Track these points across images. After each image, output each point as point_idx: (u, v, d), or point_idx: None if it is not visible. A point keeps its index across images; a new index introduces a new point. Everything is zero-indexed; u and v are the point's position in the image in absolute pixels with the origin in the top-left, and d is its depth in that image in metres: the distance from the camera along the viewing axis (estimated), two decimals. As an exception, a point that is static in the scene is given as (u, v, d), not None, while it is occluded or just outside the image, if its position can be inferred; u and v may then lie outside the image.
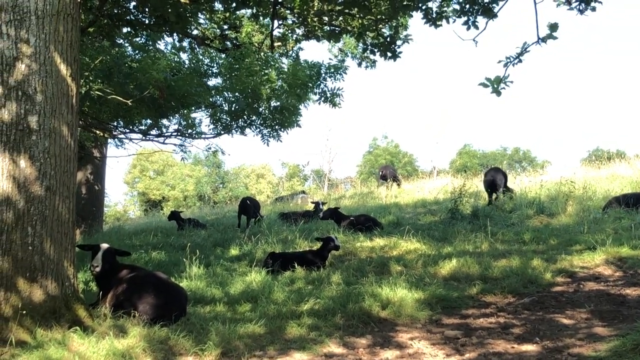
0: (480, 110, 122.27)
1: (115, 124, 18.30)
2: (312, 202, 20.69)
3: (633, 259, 10.69)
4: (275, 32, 15.51)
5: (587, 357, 6.35)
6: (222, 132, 18.22)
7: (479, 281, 9.97)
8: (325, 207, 19.18)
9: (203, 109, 18.11)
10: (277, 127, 17.63)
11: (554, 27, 9.13)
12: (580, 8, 10.62)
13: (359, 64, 18.16)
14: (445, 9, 12.25)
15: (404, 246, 13.05)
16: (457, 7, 11.95)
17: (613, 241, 11.65)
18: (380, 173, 30.24)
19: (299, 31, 15.11)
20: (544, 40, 9.49)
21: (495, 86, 9.02)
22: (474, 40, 11.19)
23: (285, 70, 17.17)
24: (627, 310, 8.00)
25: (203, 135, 19.04)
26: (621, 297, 8.74)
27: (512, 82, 9.21)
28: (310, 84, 17.58)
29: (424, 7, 12.23)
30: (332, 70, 18.18)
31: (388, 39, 13.49)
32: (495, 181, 19.49)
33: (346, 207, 21.31)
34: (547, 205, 17.11)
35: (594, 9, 10.59)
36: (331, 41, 14.70)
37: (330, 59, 19.31)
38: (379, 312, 8.37)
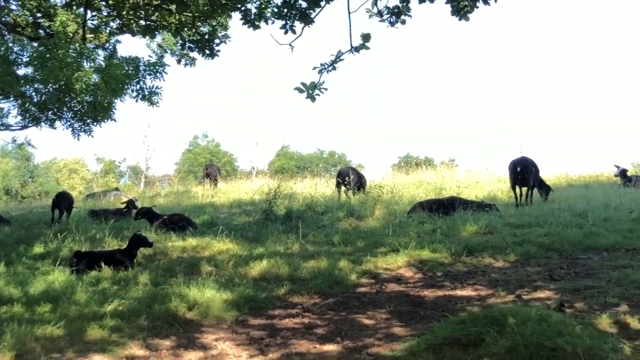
0: (299, 113, 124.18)
1: None
2: (124, 201, 20.20)
3: (433, 262, 11.25)
4: (90, 24, 14.99)
5: (385, 357, 6.60)
6: (30, 125, 17.40)
7: (288, 282, 10.11)
8: (139, 205, 18.85)
9: (11, 99, 17.23)
10: (88, 121, 17.05)
11: (366, 37, 9.37)
12: (392, 20, 11.02)
13: (179, 61, 17.91)
14: (264, 11, 12.31)
15: (216, 246, 13.01)
16: (276, 10, 12.05)
17: (415, 244, 12.20)
18: (206, 171, 30.37)
19: (114, 24, 14.68)
20: (357, 49, 9.72)
21: (310, 92, 9.12)
22: (290, 45, 11.33)
23: (101, 64, 16.65)
24: (424, 311, 8.39)
25: (10, 127, 18.13)
26: (419, 298, 9.16)
27: (326, 89, 9.36)
28: (127, 81, 17.15)
29: (242, 8, 12.23)
30: (151, 67, 17.85)
31: (206, 37, 13.41)
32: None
33: (161, 206, 20.99)
34: (357, 208, 17.65)
35: (404, 22, 11.02)
36: (147, 36, 14.39)
37: (150, 56, 18.93)
38: (185, 313, 8.29)
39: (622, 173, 24.51)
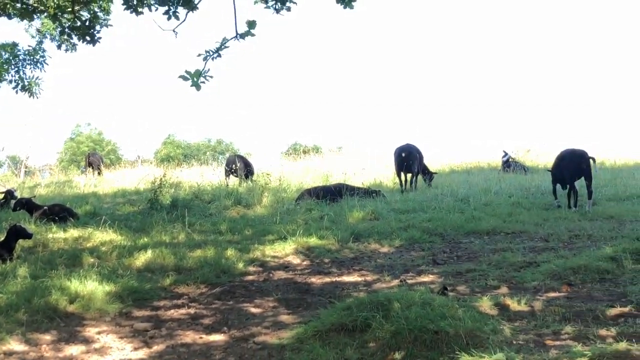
0: (185, 100, 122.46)
1: None
2: (2, 191, 19.40)
3: (320, 249, 11.36)
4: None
5: (272, 345, 6.60)
6: None
7: (173, 272, 9.92)
8: (18, 195, 18.16)
9: None
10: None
11: (251, 24, 9.30)
12: (277, 7, 10.99)
13: (59, 47, 17.25)
14: (145, -4, 12.04)
15: (99, 237, 12.62)
16: (159, -5, 11.82)
17: (303, 231, 12.28)
18: (89, 159, 29.79)
19: (-11, 6, 14.01)
20: (242, 36, 9.64)
21: (195, 80, 9.01)
22: (174, 31, 11.14)
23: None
24: (311, 298, 8.43)
25: None
26: (307, 285, 9.21)
27: (211, 76, 9.26)
28: (3, 69, 16.45)
29: (124, -8, 11.93)
30: (31, 56, 17.13)
31: (87, 23, 13.00)
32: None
33: (42, 196, 20.23)
34: (245, 196, 17.61)
35: (289, 9, 11.01)
36: (24, 20, 13.83)
37: (29, 46, 18.17)
38: (66, 306, 8.00)
39: (506, 161, 25.36)
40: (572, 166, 14.68)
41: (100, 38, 12.90)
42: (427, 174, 20.39)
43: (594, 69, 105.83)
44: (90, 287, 8.48)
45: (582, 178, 14.61)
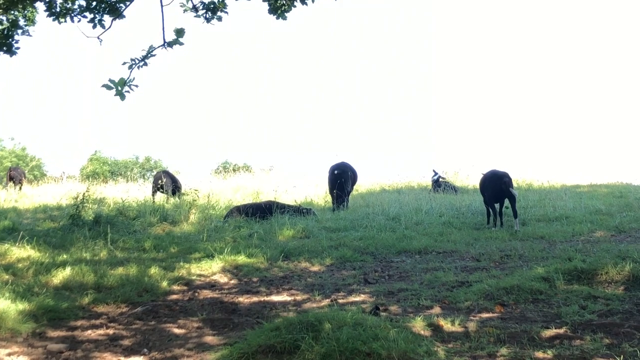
0: (112, 115, 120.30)
1: None
2: None
3: (248, 267, 11.00)
4: None
5: (193, 367, 6.25)
6: None
7: (93, 290, 9.40)
8: None
9: None
10: None
11: (180, 32, 9.01)
12: (207, 16, 10.70)
13: (-25, 56, 16.62)
14: (70, 4, 11.60)
15: (16, 254, 11.99)
16: (84, 3, 11.40)
17: (231, 249, 11.93)
18: (10, 174, 29.14)
19: None
20: (170, 45, 9.33)
21: (120, 89, 8.62)
22: (98, 38, 10.74)
23: None
24: (238, 318, 8.08)
25: None
26: (234, 305, 8.84)
27: (137, 86, 8.90)
28: None
29: (47, 0, 11.49)
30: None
31: (5, 31, 12.46)
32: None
33: (-43, 212, 19.42)
34: (171, 213, 17.17)
35: (220, 19, 10.74)
36: None
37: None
38: (-25, 326, 7.50)
39: (436, 181, 25.49)
40: (493, 187, 14.81)
41: (18, 48, 12.37)
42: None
43: (526, 93, 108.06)
44: (3, 305, 7.94)
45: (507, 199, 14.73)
